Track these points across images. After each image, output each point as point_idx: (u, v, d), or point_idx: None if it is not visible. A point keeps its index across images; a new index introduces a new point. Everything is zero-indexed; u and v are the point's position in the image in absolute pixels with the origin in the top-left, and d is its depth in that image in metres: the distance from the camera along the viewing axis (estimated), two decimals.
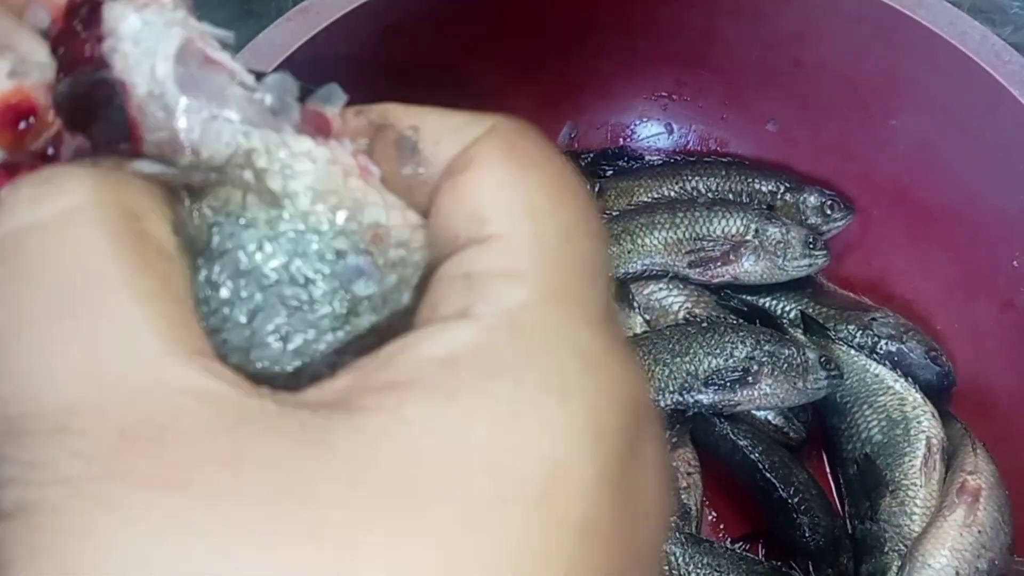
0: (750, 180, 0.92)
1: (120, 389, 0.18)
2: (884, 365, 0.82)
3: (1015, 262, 0.77)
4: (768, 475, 0.78)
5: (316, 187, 0.23)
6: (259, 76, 0.25)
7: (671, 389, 0.78)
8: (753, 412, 0.81)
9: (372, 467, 0.18)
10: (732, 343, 0.79)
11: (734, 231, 0.87)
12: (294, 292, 0.23)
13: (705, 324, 0.83)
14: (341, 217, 0.23)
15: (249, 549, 0.17)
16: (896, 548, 0.74)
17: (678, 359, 0.79)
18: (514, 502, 0.18)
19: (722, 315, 0.86)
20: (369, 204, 0.24)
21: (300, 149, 0.23)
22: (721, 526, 0.82)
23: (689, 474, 0.79)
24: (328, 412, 0.19)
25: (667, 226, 0.88)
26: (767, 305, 0.89)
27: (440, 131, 0.25)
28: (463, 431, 0.19)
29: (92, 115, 0.25)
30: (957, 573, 0.71)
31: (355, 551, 0.17)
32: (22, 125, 0.24)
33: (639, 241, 0.87)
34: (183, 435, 0.18)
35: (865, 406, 0.81)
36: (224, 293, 0.23)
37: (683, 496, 0.78)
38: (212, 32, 0.25)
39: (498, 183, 0.23)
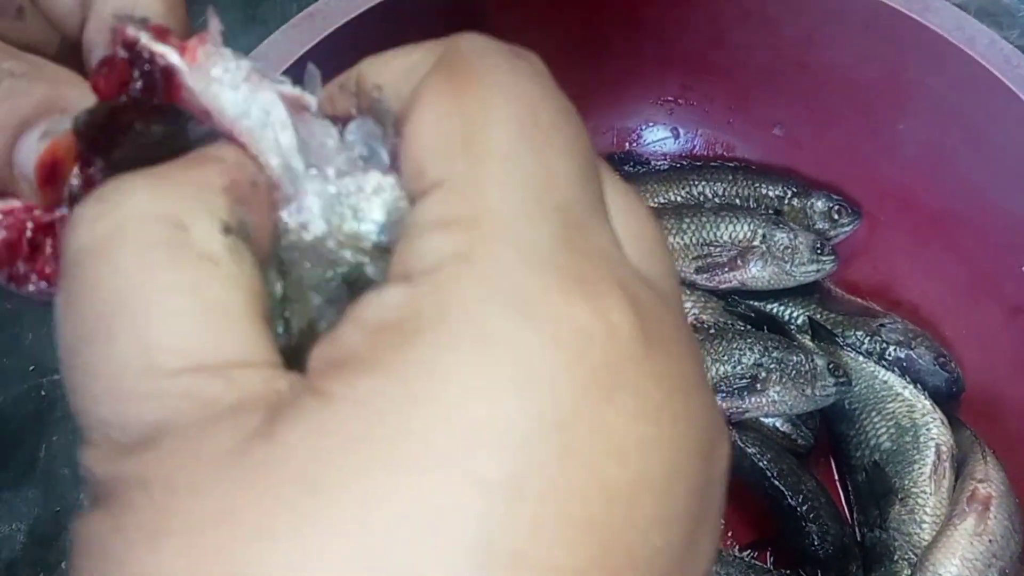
0: (757, 185, 0.92)
1: (137, 405, 0.20)
2: (893, 371, 0.82)
3: (1023, 267, 0.77)
4: (776, 482, 0.78)
5: (382, 222, 0.23)
6: (334, 119, 0.25)
7: None
8: (761, 419, 0.81)
9: (310, 460, 0.18)
10: (740, 350, 0.78)
11: (741, 236, 0.86)
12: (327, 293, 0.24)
13: (713, 331, 0.82)
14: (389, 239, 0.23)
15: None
16: (906, 557, 0.73)
17: None
18: (428, 471, 0.18)
19: (729, 321, 0.86)
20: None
21: (372, 187, 0.23)
22: (729, 534, 0.81)
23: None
24: (281, 407, 0.19)
25: (673, 231, 0.87)
26: (775, 311, 0.88)
27: (400, 79, 0.24)
28: (388, 410, 0.18)
29: (113, 141, 0.25)
30: None
31: (304, 551, 0.17)
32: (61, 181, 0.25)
33: None
34: (170, 447, 0.19)
35: (874, 413, 0.80)
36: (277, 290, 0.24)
37: None
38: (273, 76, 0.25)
39: (432, 123, 0.21)
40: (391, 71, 0.24)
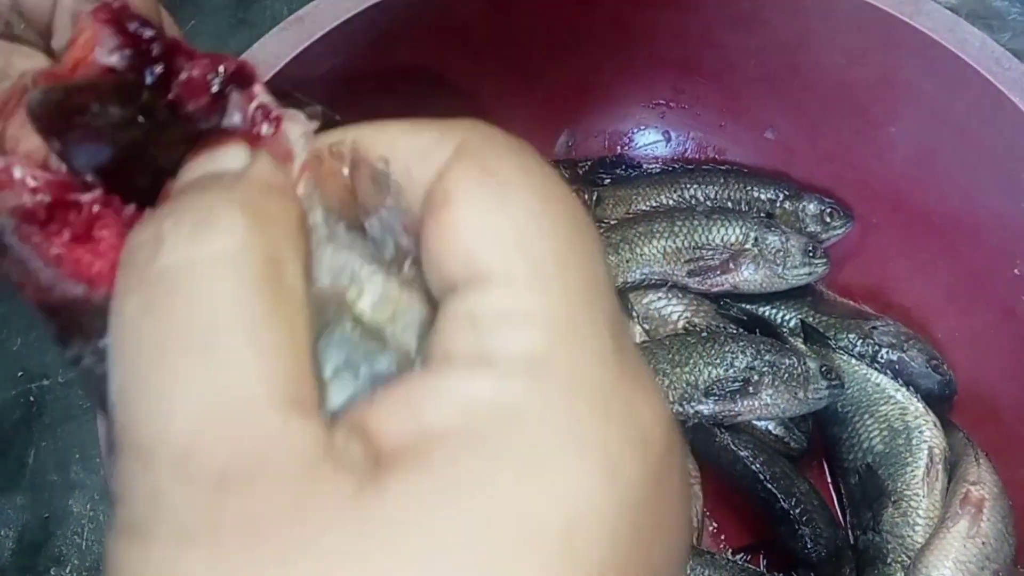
0: (749, 188, 0.92)
1: (226, 436, 0.20)
2: (885, 374, 0.82)
3: (1016, 270, 0.77)
4: (769, 486, 0.78)
5: (380, 305, 0.25)
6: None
7: (671, 400, 0.77)
8: (754, 422, 0.81)
9: (411, 524, 0.19)
10: (732, 353, 0.78)
11: (733, 239, 0.86)
12: None
13: (705, 334, 0.82)
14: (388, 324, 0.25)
15: None
16: (899, 559, 0.73)
17: (678, 369, 0.78)
18: (537, 550, 0.19)
19: (722, 324, 0.86)
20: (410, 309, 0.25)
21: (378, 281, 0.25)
22: (722, 537, 0.81)
23: (690, 485, 0.79)
24: (376, 471, 0.20)
25: (666, 235, 0.87)
26: (767, 314, 0.88)
27: (410, 157, 0.25)
28: (488, 484, 0.20)
29: (68, 121, 0.25)
30: None
31: None
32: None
33: (637, 250, 0.87)
34: (266, 487, 0.19)
35: (866, 416, 0.80)
36: None
37: None
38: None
39: (480, 216, 0.23)
40: (399, 148, 0.26)
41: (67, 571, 0.80)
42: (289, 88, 0.34)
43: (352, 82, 0.78)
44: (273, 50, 0.72)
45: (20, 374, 0.87)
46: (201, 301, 0.21)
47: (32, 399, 0.86)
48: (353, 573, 0.18)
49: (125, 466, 0.20)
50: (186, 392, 0.20)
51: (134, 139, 0.29)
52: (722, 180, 0.93)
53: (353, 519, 0.19)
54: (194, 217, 0.22)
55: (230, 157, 0.26)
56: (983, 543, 0.70)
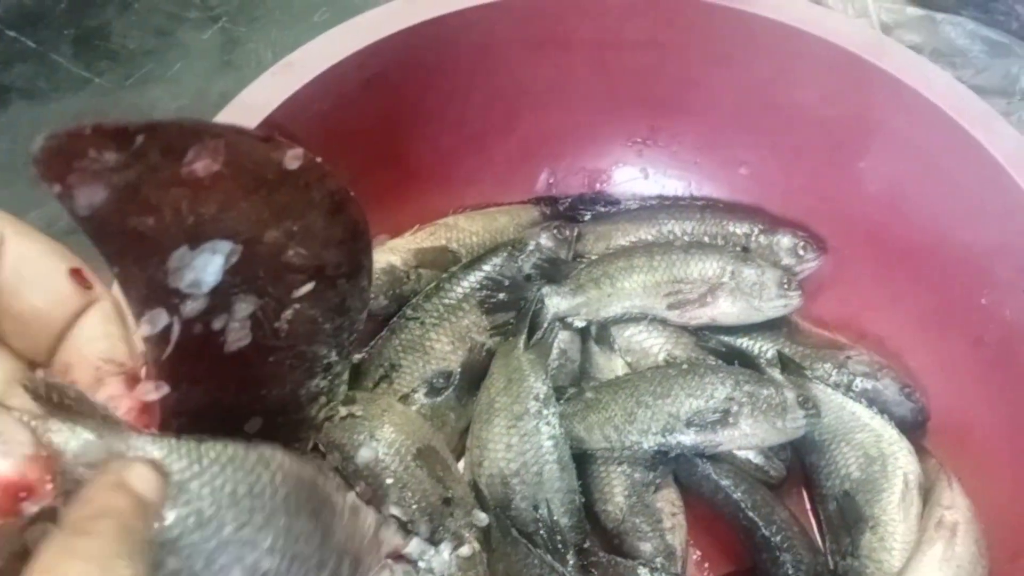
0: (724, 223, 0.94)
1: None
2: (860, 403, 0.84)
3: (984, 300, 0.79)
4: (750, 514, 0.80)
5: None
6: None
7: (654, 431, 0.79)
8: (735, 452, 0.82)
9: None
10: (712, 384, 0.80)
11: (710, 273, 0.88)
12: None
13: (685, 366, 0.84)
14: None
15: None
16: None
17: (660, 401, 0.80)
18: None
19: (701, 356, 0.87)
20: None
21: None
22: (706, 565, 0.83)
23: (673, 514, 0.80)
24: None
25: (645, 269, 0.89)
26: (745, 345, 0.90)
27: None
28: None
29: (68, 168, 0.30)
30: None
31: None
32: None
33: (618, 285, 0.89)
34: None
35: (843, 443, 0.82)
36: None
37: (668, 536, 0.79)
38: None
39: None
40: None
41: None
42: (272, 132, 0.36)
43: (340, 126, 0.80)
44: (263, 96, 0.74)
45: None
46: None
47: None
48: None
49: None
50: None
51: (127, 182, 0.31)
52: (699, 215, 0.95)
53: None
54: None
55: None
56: (958, 566, 0.72)
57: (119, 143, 0.30)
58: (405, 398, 0.83)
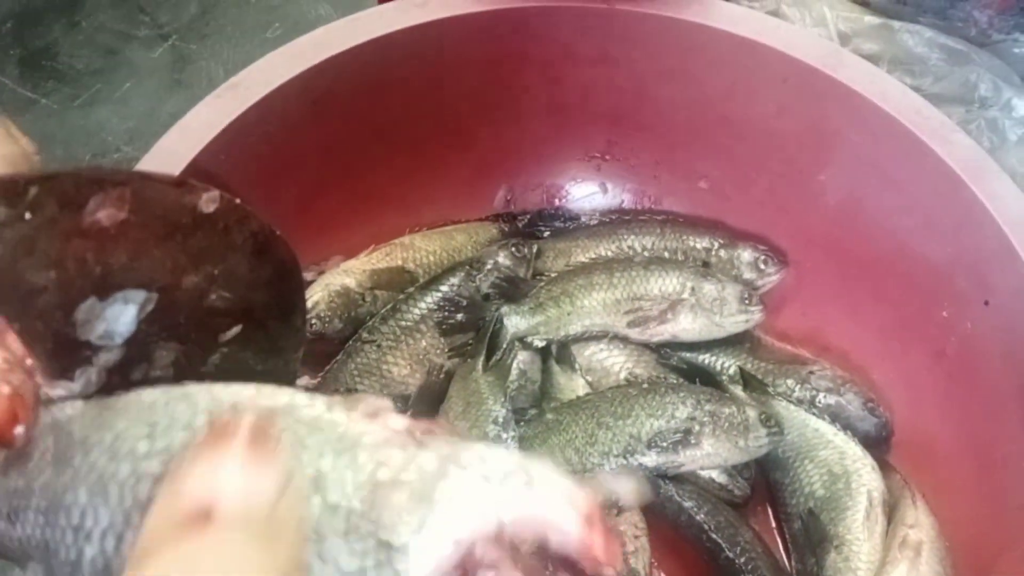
0: (684, 237, 0.93)
1: None
2: (823, 419, 0.83)
3: (944, 312, 0.79)
4: (714, 536, 0.78)
5: None
6: None
7: (615, 453, 0.78)
8: (698, 472, 0.81)
9: None
10: (673, 404, 0.79)
11: (670, 289, 0.87)
12: None
13: (646, 385, 0.83)
14: None
15: None
16: None
17: (621, 422, 0.79)
18: None
19: (662, 374, 0.86)
20: None
21: None
22: None
23: (636, 537, 0.79)
24: None
25: (604, 287, 0.88)
26: (706, 362, 0.89)
27: None
28: None
29: None
30: None
31: None
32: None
33: (578, 303, 0.88)
34: None
35: (807, 461, 0.81)
36: None
37: (631, 560, 0.77)
38: None
39: None
40: None
41: None
42: (184, 178, 0.34)
43: (288, 146, 0.78)
44: (208, 117, 0.72)
45: None
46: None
47: None
48: None
49: None
50: None
51: (21, 236, 0.29)
52: (658, 230, 0.94)
53: None
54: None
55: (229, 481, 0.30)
56: None
57: (9, 197, 0.29)
58: None
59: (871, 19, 0.96)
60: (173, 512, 0.29)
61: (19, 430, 0.30)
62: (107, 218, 0.31)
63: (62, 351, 0.34)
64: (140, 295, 0.34)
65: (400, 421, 0.31)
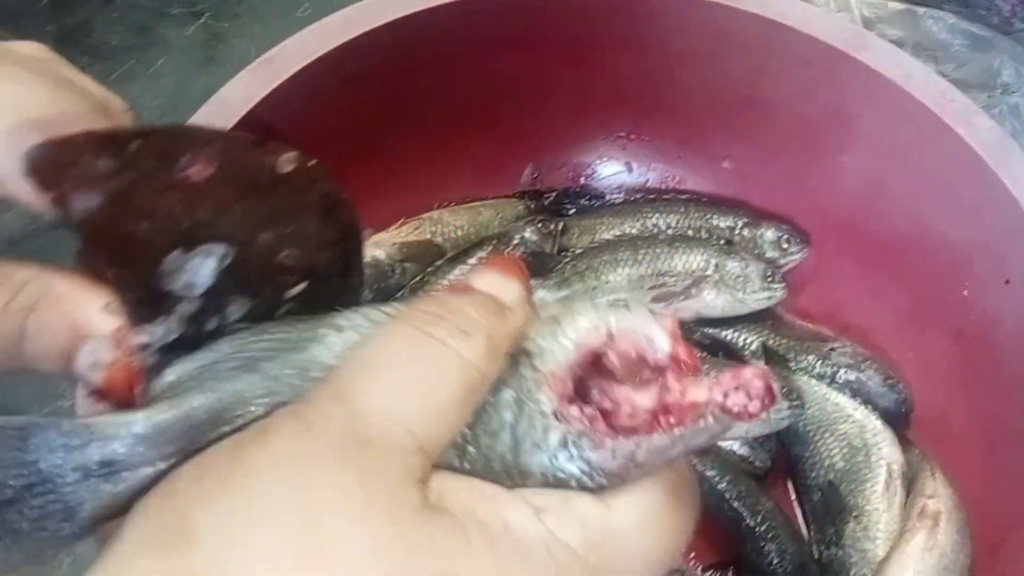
0: (708, 216, 0.95)
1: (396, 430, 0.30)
2: (844, 394, 0.85)
3: (964, 291, 0.80)
4: (735, 504, 0.80)
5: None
6: None
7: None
8: (720, 444, 0.83)
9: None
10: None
11: (695, 266, 0.89)
12: None
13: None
14: None
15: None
16: (861, 573, 0.76)
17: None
18: None
19: None
20: None
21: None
22: (691, 555, 0.83)
23: None
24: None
25: (630, 263, 0.90)
26: (729, 338, 0.91)
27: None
28: None
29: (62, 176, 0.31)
30: None
31: None
32: None
33: (603, 278, 0.89)
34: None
35: (827, 434, 0.83)
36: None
37: None
38: None
39: None
40: None
41: None
42: (264, 137, 0.36)
43: (320, 122, 0.80)
44: (242, 92, 0.74)
45: None
46: (439, 369, 0.31)
47: None
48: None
49: (322, 395, 0.30)
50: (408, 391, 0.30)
51: (121, 188, 0.31)
52: (683, 209, 0.95)
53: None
54: (462, 324, 0.32)
55: (512, 292, 0.35)
56: (940, 554, 0.73)
57: (113, 150, 0.31)
58: None
59: (895, 5, 0.98)
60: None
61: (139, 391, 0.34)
62: (197, 173, 0.33)
63: (147, 300, 0.36)
64: (220, 248, 0.36)
65: None
